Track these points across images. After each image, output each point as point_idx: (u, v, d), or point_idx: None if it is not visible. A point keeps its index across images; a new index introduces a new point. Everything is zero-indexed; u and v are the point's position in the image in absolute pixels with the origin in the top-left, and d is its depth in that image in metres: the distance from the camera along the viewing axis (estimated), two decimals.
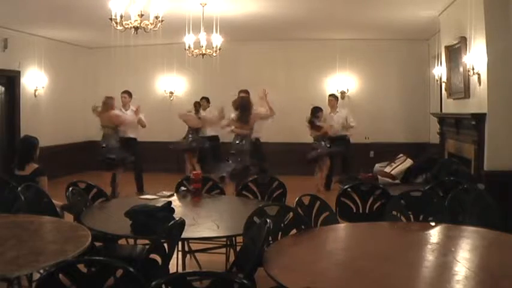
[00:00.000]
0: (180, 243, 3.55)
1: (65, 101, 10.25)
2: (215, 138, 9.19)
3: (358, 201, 4.31)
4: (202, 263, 4.30)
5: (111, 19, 4.48)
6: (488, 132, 5.58)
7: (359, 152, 8.97)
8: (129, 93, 8.20)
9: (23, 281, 3.38)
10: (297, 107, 9.74)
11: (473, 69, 5.72)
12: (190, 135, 9.06)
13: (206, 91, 9.71)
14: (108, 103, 7.75)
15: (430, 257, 2.70)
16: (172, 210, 3.56)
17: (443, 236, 3.25)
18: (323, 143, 8.44)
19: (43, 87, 9.56)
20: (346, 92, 10.26)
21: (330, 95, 9.25)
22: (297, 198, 3.70)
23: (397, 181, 5.97)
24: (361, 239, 3.27)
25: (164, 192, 4.61)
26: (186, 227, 3.09)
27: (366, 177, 6.01)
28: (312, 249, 3.00)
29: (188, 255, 4.11)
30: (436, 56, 8.29)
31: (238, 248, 3.79)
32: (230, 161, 6.99)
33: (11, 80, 8.85)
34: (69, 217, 4.11)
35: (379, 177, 6.04)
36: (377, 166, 6.71)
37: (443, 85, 7.42)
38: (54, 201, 4.20)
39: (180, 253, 3.75)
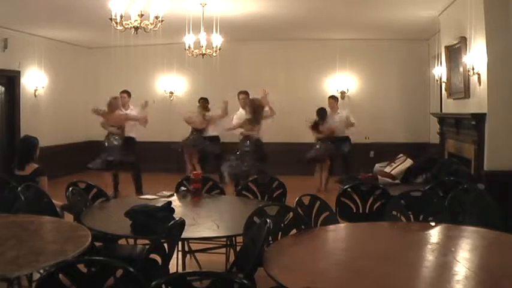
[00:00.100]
0: (180, 243, 3.55)
1: (65, 101, 10.25)
2: (216, 138, 9.19)
3: (358, 201, 4.31)
4: (202, 263, 4.30)
5: (111, 19, 4.48)
6: (488, 132, 5.58)
7: (359, 152, 8.97)
8: (129, 93, 8.21)
9: (23, 281, 3.38)
10: (297, 107, 9.76)
11: (473, 69, 5.72)
12: (193, 135, 9.06)
13: (206, 91, 9.70)
14: (114, 103, 7.78)
15: (430, 257, 2.70)
16: (172, 210, 3.56)
17: (443, 236, 3.25)
18: (326, 143, 8.46)
19: (43, 87, 9.56)
20: (346, 92, 10.26)
21: (329, 97, 9.21)
22: (297, 198, 3.70)
23: (397, 181, 5.97)
24: (361, 239, 3.27)
25: (164, 192, 4.61)
26: (186, 227, 3.09)
27: (366, 177, 6.01)
28: (312, 249, 3.00)
29: (188, 255, 4.11)
30: (436, 56, 8.29)
31: (238, 248, 3.79)
32: (233, 162, 7.04)
33: (11, 80, 8.85)
34: (69, 217, 4.11)
35: (379, 177, 6.04)
36: (377, 166, 6.71)
37: (443, 85, 7.42)
38: (54, 201, 4.20)
39: (180, 253, 3.74)
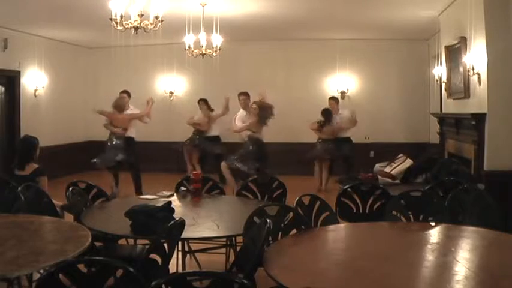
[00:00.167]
0: (180, 243, 3.55)
1: (65, 101, 10.25)
2: (217, 138, 9.19)
3: (358, 201, 4.31)
4: (202, 263, 4.30)
5: (111, 19, 4.48)
6: (488, 132, 5.58)
7: (359, 152, 8.96)
8: (128, 93, 8.20)
9: (23, 281, 3.38)
10: (296, 107, 9.77)
11: (473, 69, 5.72)
12: (197, 137, 9.07)
13: (206, 91, 9.71)
14: (122, 104, 7.79)
15: (430, 257, 2.70)
16: (172, 210, 3.56)
17: (443, 236, 3.25)
18: (328, 144, 8.47)
19: (43, 87, 9.55)
20: (346, 92, 10.26)
21: (330, 98, 9.13)
22: (297, 198, 3.70)
23: (397, 181, 5.96)
24: (361, 239, 3.27)
25: (164, 192, 4.61)
26: (186, 227, 3.09)
27: (366, 177, 6.00)
28: (312, 249, 3.00)
29: (188, 255, 4.11)
30: (436, 56, 8.29)
31: (238, 248, 3.79)
32: (238, 163, 7.08)
33: (11, 80, 8.85)
34: (69, 217, 4.11)
35: (379, 177, 6.03)
36: (377, 166, 6.70)
37: (443, 85, 7.42)
38: (54, 201, 4.20)
39: (180, 253, 3.74)
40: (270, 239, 3.02)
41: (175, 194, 4.68)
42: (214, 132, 9.16)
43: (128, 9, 4.52)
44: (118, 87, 8.49)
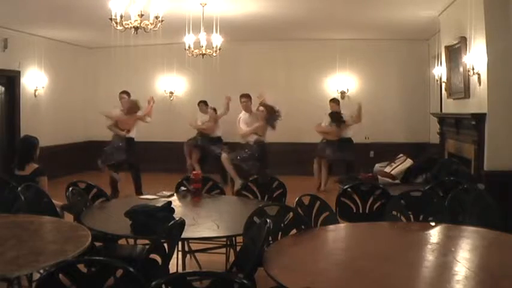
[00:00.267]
0: (180, 243, 3.55)
1: (65, 101, 10.24)
2: (219, 139, 9.20)
3: (358, 201, 4.31)
4: (202, 263, 4.30)
5: (111, 19, 4.48)
6: (488, 132, 5.58)
7: (359, 152, 8.96)
8: (128, 93, 8.19)
9: (23, 281, 3.38)
10: (296, 107, 9.76)
11: (473, 69, 5.72)
12: (200, 138, 9.07)
13: (206, 91, 9.71)
14: (134, 107, 7.78)
15: (430, 257, 2.70)
16: (172, 210, 3.56)
17: (443, 236, 3.25)
18: (332, 145, 8.48)
19: (43, 87, 9.55)
20: (346, 92, 10.26)
21: (330, 100, 9.04)
22: (297, 198, 3.70)
23: (397, 181, 5.96)
24: (361, 239, 3.27)
25: (164, 192, 4.61)
26: (186, 227, 3.09)
27: (366, 177, 6.00)
28: (312, 249, 3.00)
29: (188, 255, 4.11)
30: (436, 56, 8.29)
31: (238, 248, 3.79)
32: (240, 162, 7.11)
33: (11, 80, 8.85)
34: (69, 217, 4.11)
35: (379, 177, 6.03)
36: (377, 166, 6.69)
37: (443, 85, 7.42)
38: (54, 201, 4.20)
39: (180, 253, 3.74)
40: (270, 239, 3.02)
41: (175, 194, 4.68)
42: (218, 133, 9.18)
43: (128, 9, 4.52)
44: (118, 87, 8.49)
